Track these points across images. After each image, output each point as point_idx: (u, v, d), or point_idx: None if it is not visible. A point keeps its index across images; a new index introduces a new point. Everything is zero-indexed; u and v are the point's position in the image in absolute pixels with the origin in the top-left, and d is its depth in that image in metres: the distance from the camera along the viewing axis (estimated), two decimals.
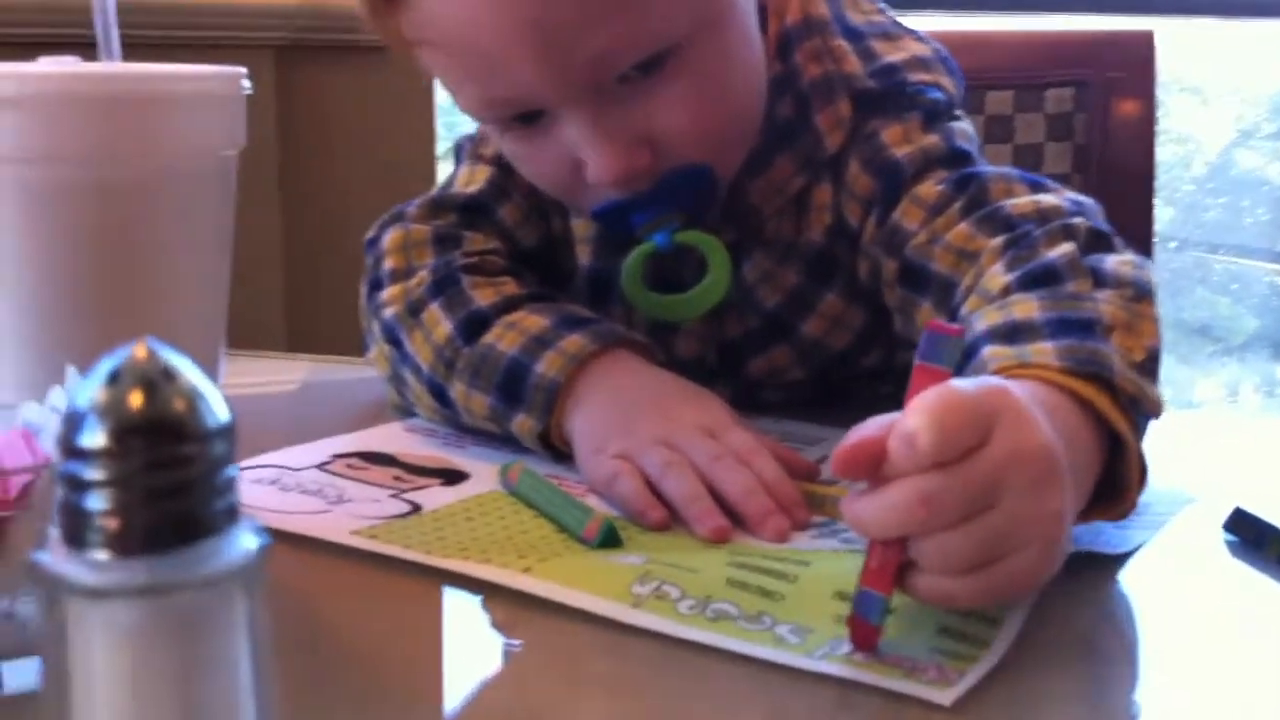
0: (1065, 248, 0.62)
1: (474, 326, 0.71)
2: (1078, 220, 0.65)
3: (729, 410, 0.67)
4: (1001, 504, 0.46)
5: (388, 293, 0.76)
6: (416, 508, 0.61)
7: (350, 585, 0.55)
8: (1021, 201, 0.68)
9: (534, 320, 0.71)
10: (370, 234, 0.80)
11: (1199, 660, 0.49)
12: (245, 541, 0.27)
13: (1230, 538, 0.58)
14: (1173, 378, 3.04)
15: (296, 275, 1.54)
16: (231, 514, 0.27)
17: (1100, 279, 0.60)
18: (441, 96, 1.58)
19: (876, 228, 0.73)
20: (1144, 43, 1.26)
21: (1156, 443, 0.59)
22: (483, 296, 0.73)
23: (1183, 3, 2.52)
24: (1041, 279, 0.61)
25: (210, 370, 0.57)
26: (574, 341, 0.69)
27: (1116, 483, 0.55)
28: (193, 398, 0.27)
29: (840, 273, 0.77)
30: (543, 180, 0.73)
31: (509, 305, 0.72)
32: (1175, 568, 0.57)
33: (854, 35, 0.77)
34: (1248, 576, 0.56)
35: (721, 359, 0.80)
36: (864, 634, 0.46)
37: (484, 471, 0.66)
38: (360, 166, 1.55)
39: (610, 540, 0.55)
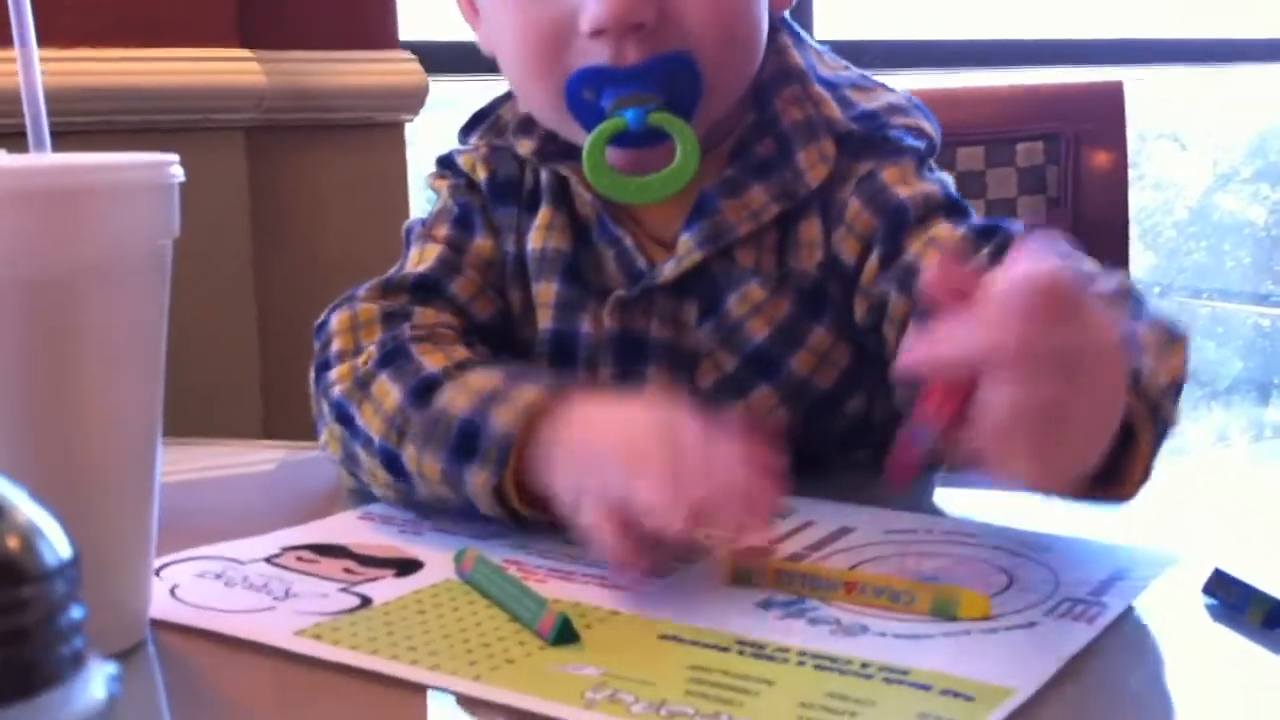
0: (1112, 281, 0.64)
1: (424, 391, 0.69)
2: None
3: (695, 422, 0.62)
4: (1077, 382, 0.49)
5: (336, 372, 0.74)
6: (366, 601, 0.58)
7: (293, 687, 0.52)
8: None
9: (485, 378, 0.68)
10: (320, 319, 0.79)
11: None
12: (93, 690, 0.24)
13: (1210, 601, 0.56)
14: None
15: (272, 359, 1.52)
16: (77, 660, 0.24)
17: (1139, 312, 0.64)
18: (415, 175, 1.57)
19: (880, 267, 0.73)
20: (1113, 93, 1.25)
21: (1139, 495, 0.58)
22: (432, 362, 0.71)
23: (1155, 52, 2.53)
24: None
25: (147, 467, 0.55)
26: (527, 392, 0.66)
27: (1117, 473, 0.57)
28: (29, 534, 0.24)
29: (830, 308, 0.77)
30: (530, 41, 0.73)
31: (460, 368, 0.70)
32: (1152, 634, 0.55)
33: (829, 85, 0.80)
34: (1227, 642, 0.54)
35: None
36: (905, 461, 0.49)
37: (438, 560, 0.63)
38: (335, 247, 1.53)
39: (565, 635, 0.53)
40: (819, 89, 0.78)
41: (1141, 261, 2.96)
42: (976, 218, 0.75)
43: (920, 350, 0.50)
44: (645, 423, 0.63)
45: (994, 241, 0.70)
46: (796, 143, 0.77)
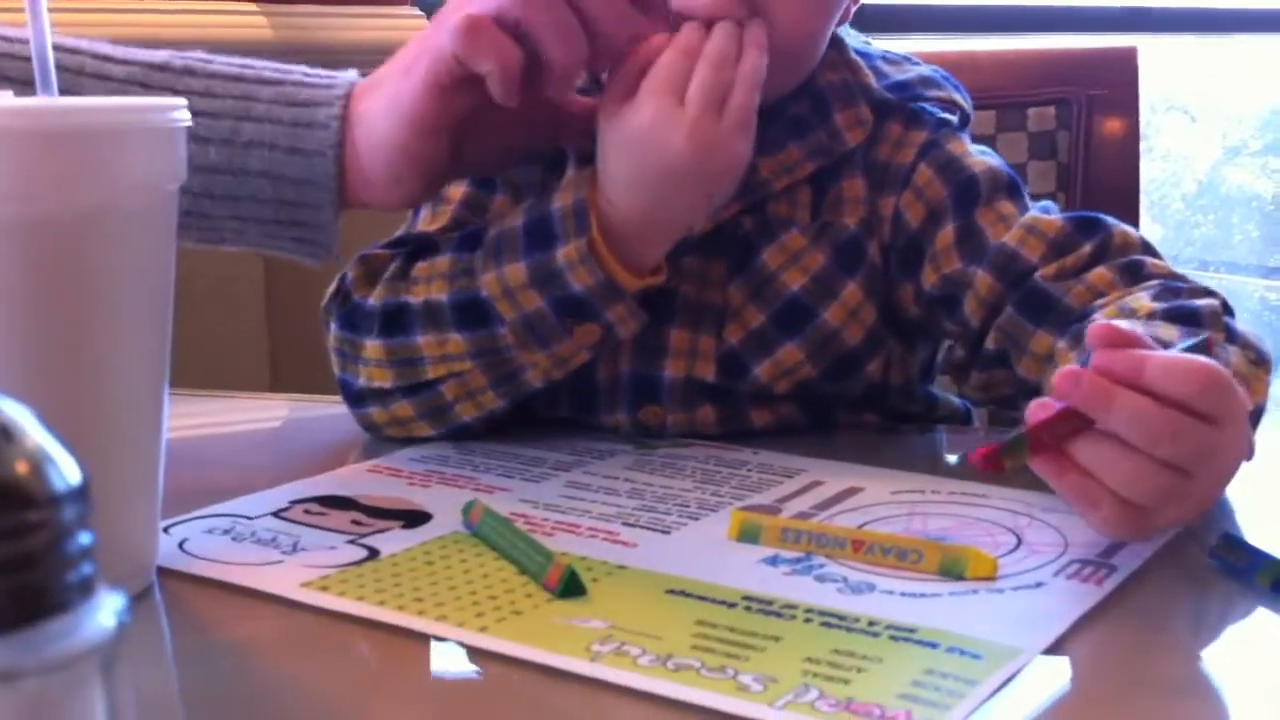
0: (1210, 301, 0.68)
1: (471, 238, 0.72)
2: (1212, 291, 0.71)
3: None
4: (1196, 479, 0.53)
5: (360, 295, 0.75)
6: (374, 553, 0.58)
7: (301, 637, 0.52)
8: (1159, 263, 0.73)
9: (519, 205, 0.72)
10: (328, 294, 0.78)
11: (1181, 694, 0.47)
12: (102, 618, 0.24)
13: (1218, 564, 0.56)
14: None
15: (279, 313, 1.52)
16: (86, 587, 0.24)
17: (1232, 336, 0.66)
18: None
19: (956, 240, 0.75)
20: (1127, 59, 1.24)
21: None
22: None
23: (1168, 20, 2.51)
24: (1184, 318, 0.65)
25: (154, 413, 0.54)
26: (569, 181, 0.71)
27: None
28: (38, 459, 0.24)
29: (863, 265, 0.78)
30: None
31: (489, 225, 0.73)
32: (1160, 598, 0.54)
33: (862, 55, 0.81)
34: (1235, 606, 0.54)
35: (721, 370, 0.77)
36: (988, 456, 0.52)
37: (446, 512, 0.63)
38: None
39: (572, 588, 0.53)
40: (855, 57, 0.80)
41: (1149, 234, 2.94)
42: (1056, 209, 0.77)
43: (1083, 376, 0.52)
44: None
45: (1095, 240, 0.73)
46: (833, 104, 0.78)
